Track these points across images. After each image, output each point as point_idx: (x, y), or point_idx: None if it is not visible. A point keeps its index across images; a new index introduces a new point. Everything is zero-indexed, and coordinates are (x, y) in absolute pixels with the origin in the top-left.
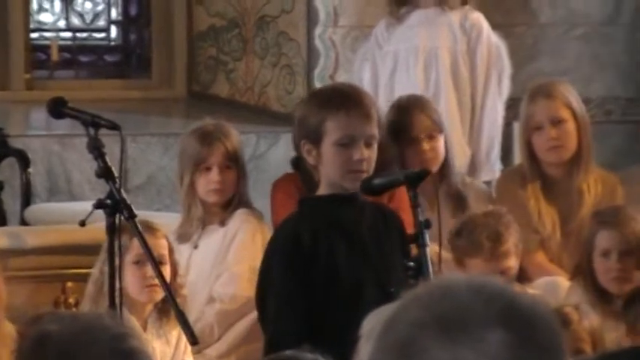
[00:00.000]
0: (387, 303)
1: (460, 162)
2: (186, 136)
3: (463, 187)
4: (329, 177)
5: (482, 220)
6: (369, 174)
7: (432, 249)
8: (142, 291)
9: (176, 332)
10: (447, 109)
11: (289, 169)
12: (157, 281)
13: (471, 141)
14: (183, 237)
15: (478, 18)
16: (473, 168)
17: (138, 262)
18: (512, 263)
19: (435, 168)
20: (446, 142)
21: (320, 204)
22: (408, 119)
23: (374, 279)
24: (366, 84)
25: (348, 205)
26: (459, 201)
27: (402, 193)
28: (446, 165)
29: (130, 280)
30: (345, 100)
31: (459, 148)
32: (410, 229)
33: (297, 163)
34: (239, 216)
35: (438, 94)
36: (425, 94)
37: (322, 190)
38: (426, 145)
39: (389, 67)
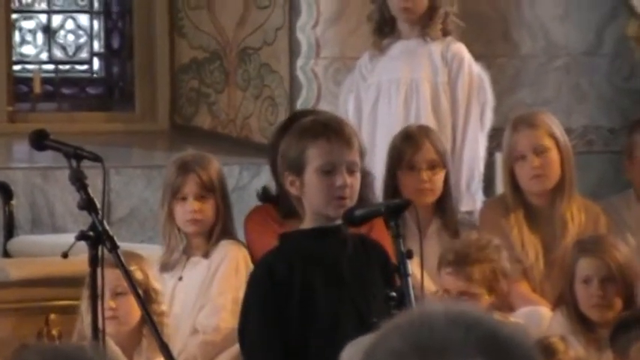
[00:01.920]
0: (365, 334)
1: None
2: (168, 165)
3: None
4: (313, 207)
5: (469, 241)
6: (353, 201)
7: (414, 279)
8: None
9: None
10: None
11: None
12: (110, 313)
13: (452, 172)
14: (165, 266)
15: (459, 48)
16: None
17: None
18: (476, 292)
19: (430, 200)
20: (447, 179)
21: (301, 238)
22: (412, 147)
23: (352, 312)
24: (350, 116)
25: (330, 238)
26: (454, 237)
27: (381, 224)
28: (444, 200)
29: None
30: (325, 127)
31: None
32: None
33: (265, 195)
34: (222, 247)
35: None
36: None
37: (306, 223)
38: (425, 176)
39: (371, 99)
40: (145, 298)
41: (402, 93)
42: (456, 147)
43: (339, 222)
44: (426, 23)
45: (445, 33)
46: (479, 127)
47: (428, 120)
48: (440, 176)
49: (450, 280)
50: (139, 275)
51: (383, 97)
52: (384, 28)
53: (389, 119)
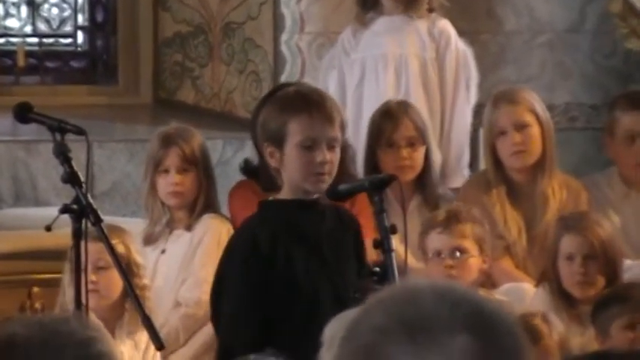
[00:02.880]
0: (344, 309)
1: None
2: (151, 138)
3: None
4: (291, 180)
5: (455, 205)
6: (332, 177)
7: (398, 255)
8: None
9: (145, 337)
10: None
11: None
12: (92, 287)
13: (440, 148)
14: (148, 239)
15: (445, 25)
16: (443, 175)
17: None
18: (469, 248)
19: (410, 177)
20: (427, 155)
21: (280, 208)
22: (391, 123)
23: (331, 285)
24: (332, 91)
25: (308, 210)
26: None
27: (363, 198)
28: (424, 176)
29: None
30: (308, 102)
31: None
32: (372, 234)
33: (247, 168)
34: (205, 220)
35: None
36: None
37: (284, 194)
38: (404, 152)
39: (357, 75)
40: (127, 271)
41: (390, 69)
42: (445, 123)
43: (317, 195)
44: (411, 1)
45: (430, 9)
46: (466, 103)
47: (417, 95)
48: (419, 153)
49: (441, 239)
50: (121, 249)
51: (369, 72)
52: (368, 2)
53: (377, 95)
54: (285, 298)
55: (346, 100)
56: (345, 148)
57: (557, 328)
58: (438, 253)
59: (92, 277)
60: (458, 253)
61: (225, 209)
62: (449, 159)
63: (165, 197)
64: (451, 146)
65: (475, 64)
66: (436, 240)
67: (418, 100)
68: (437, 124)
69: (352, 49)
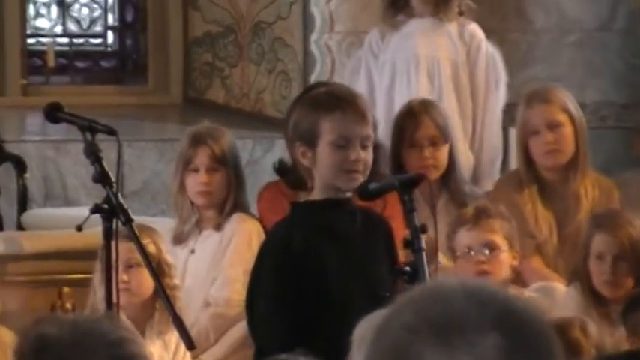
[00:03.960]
0: (376, 309)
1: (464, 171)
2: (182, 137)
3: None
4: (323, 179)
5: (483, 202)
6: (365, 176)
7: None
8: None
9: (175, 337)
10: (450, 119)
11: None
12: (123, 286)
13: (472, 151)
14: (177, 238)
15: (475, 29)
16: (476, 177)
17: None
18: (500, 243)
19: (434, 176)
20: (452, 152)
21: (312, 209)
22: (413, 123)
23: (364, 285)
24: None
25: (340, 211)
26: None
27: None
28: (450, 174)
29: None
30: (341, 100)
31: (463, 158)
32: (400, 234)
33: (281, 168)
34: (234, 220)
35: (440, 104)
36: None
37: (316, 195)
38: (427, 152)
39: (387, 77)
40: (158, 271)
41: (422, 70)
42: (477, 126)
43: (348, 195)
44: (441, 3)
45: (460, 12)
46: (498, 106)
47: (449, 98)
48: (442, 152)
49: (472, 235)
50: (152, 248)
51: (400, 74)
52: (398, 3)
53: (408, 96)
54: (317, 299)
55: (376, 101)
56: (378, 149)
57: (593, 334)
58: (469, 250)
59: (123, 276)
60: (487, 251)
61: (254, 209)
62: (482, 162)
63: (194, 196)
64: (484, 149)
65: (503, 65)
66: (466, 236)
67: (450, 103)
68: (469, 127)
69: (381, 51)
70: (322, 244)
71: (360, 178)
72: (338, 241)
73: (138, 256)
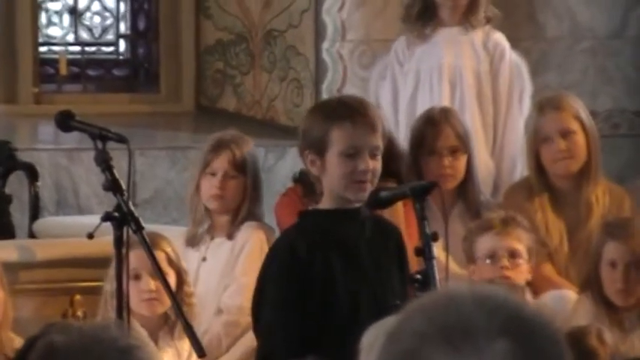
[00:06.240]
0: (384, 317)
1: (485, 180)
2: (207, 140)
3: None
4: (332, 188)
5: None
6: (373, 185)
7: (439, 262)
8: (139, 305)
9: (187, 344)
10: (471, 128)
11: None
12: (154, 295)
13: (493, 161)
14: (190, 240)
15: (500, 38)
16: (496, 187)
17: (135, 277)
18: (523, 253)
19: (451, 185)
20: (470, 162)
21: (320, 217)
22: (433, 131)
23: (371, 293)
24: (385, 102)
25: (348, 220)
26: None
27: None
28: (467, 184)
29: (130, 294)
30: (351, 110)
31: (484, 167)
32: (414, 242)
33: (300, 176)
34: (246, 228)
35: (462, 113)
36: None
37: (325, 203)
38: (446, 161)
39: (410, 86)
40: (178, 279)
41: (445, 80)
42: (497, 136)
43: (358, 204)
44: (469, 11)
45: (487, 20)
46: (519, 116)
47: (471, 108)
48: (461, 161)
49: (498, 240)
50: (173, 257)
51: (423, 83)
52: (425, 14)
53: (430, 105)
54: (323, 308)
55: (399, 108)
56: (399, 156)
57: (610, 342)
58: (492, 255)
59: (151, 285)
60: (509, 259)
61: (269, 217)
62: (501, 172)
63: (207, 200)
64: (504, 159)
65: (529, 75)
66: (492, 241)
67: (472, 112)
68: (490, 136)
69: (406, 59)
70: (328, 252)
71: (369, 188)
72: (345, 250)
73: (164, 266)
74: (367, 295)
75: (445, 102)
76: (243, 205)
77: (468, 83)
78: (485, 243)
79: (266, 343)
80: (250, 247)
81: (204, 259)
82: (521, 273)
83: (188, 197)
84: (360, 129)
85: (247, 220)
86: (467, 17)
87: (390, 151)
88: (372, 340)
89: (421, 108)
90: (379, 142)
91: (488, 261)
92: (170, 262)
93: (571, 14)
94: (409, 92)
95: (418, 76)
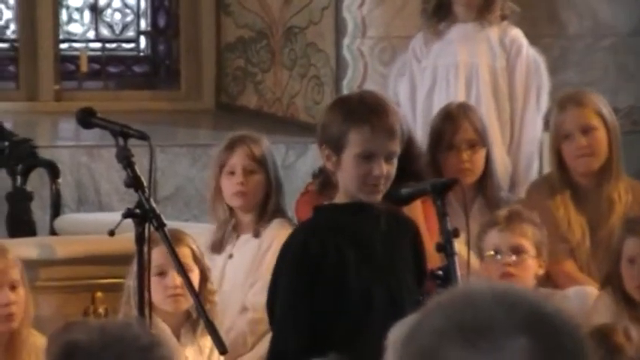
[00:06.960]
0: (398, 312)
1: (502, 177)
2: (220, 143)
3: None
4: (346, 186)
5: (517, 206)
6: (386, 188)
7: (461, 258)
8: (165, 301)
9: (210, 341)
10: (487, 124)
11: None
12: (179, 291)
13: (510, 157)
14: (215, 246)
15: (517, 34)
16: (512, 184)
17: (160, 274)
18: (528, 248)
19: (470, 180)
20: (488, 157)
21: (335, 212)
22: (451, 126)
23: (385, 288)
24: (403, 98)
25: (362, 214)
26: None
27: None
28: (485, 178)
29: (154, 290)
30: (371, 113)
31: (501, 164)
32: (434, 238)
33: (319, 173)
34: (274, 226)
35: (478, 110)
36: None
37: (340, 198)
38: (465, 155)
39: (427, 83)
40: (201, 276)
41: (461, 77)
42: (514, 133)
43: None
44: (484, 8)
45: (502, 17)
46: (536, 113)
47: (488, 105)
48: (480, 155)
49: (502, 236)
50: (198, 253)
51: (440, 80)
52: (441, 11)
53: (447, 102)
54: (336, 302)
55: (416, 104)
56: (419, 156)
57: (636, 339)
58: (496, 251)
59: (177, 281)
60: (514, 255)
61: (290, 214)
62: (518, 168)
63: (230, 199)
64: (520, 155)
65: (547, 72)
66: (496, 237)
67: (489, 109)
68: (507, 133)
69: (423, 56)
70: (342, 246)
71: (382, 191)
72: (359, 244)
73: (189, 262)
74: (381, 289)
75: (461, 99)
76: (270, 201)
77: (484, 80)
78: (490, 239)
79: (277, 339)
80: (277, 245)
81: (230, 256)
82: (528, 269)
83: (209, 203)
84: (378, 134)
85: (275, 216)
86: (482, 14)
87: (410, 152)
88: (397, 337)
89: (438, 105)
90: (396, 147)
91: (493, 257)
92: (195, 258)
93: (592, 12)
94: (426, 89)
95: (435, 72)
